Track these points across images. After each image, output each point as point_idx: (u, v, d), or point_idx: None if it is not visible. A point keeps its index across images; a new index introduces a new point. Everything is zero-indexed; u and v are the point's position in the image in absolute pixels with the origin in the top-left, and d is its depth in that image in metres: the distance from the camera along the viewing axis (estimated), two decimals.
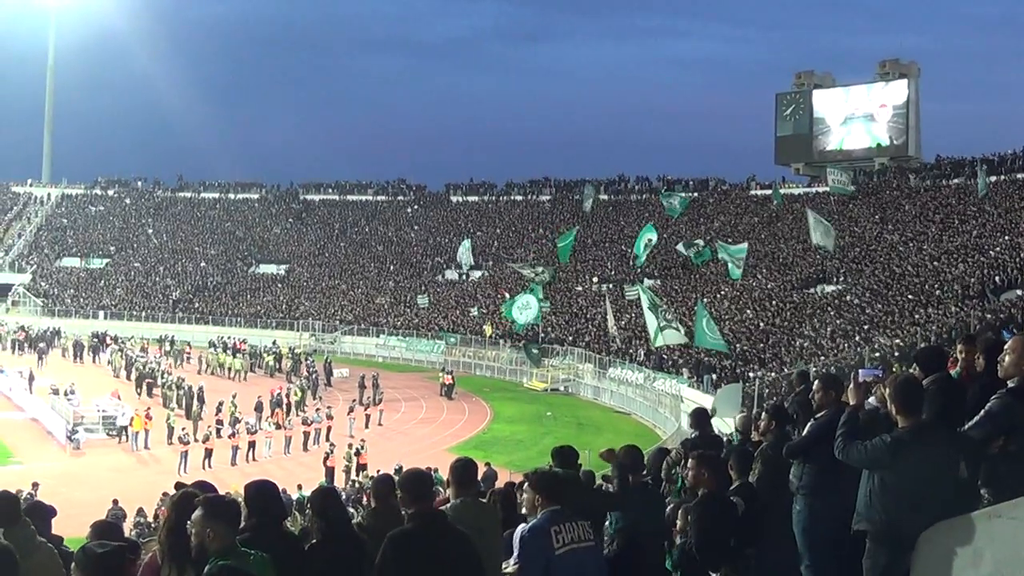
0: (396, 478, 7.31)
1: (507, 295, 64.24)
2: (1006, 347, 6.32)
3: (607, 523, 8.48)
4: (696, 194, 77.75)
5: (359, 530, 6.89)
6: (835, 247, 55.57)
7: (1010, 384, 6.15)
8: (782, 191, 72.57)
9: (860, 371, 26.82)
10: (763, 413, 10.15)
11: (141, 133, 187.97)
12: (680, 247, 62.14)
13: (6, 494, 6.64)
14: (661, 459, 11.73)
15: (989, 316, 39.58)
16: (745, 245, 55.28)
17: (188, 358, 60.50)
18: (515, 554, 6.58)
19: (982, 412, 6.06)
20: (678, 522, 8.37)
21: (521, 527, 6.70)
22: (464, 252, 75.69)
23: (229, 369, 57.41)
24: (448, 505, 6.50)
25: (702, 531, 7.72)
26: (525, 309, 55.85)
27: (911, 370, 7.34)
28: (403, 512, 6.26)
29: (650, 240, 61.73)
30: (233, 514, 5.40)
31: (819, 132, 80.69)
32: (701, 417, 11.95)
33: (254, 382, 54.09)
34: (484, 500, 8.25)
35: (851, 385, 6.83)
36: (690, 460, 8.34)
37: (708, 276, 62.82)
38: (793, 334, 48.84)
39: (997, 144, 76.95)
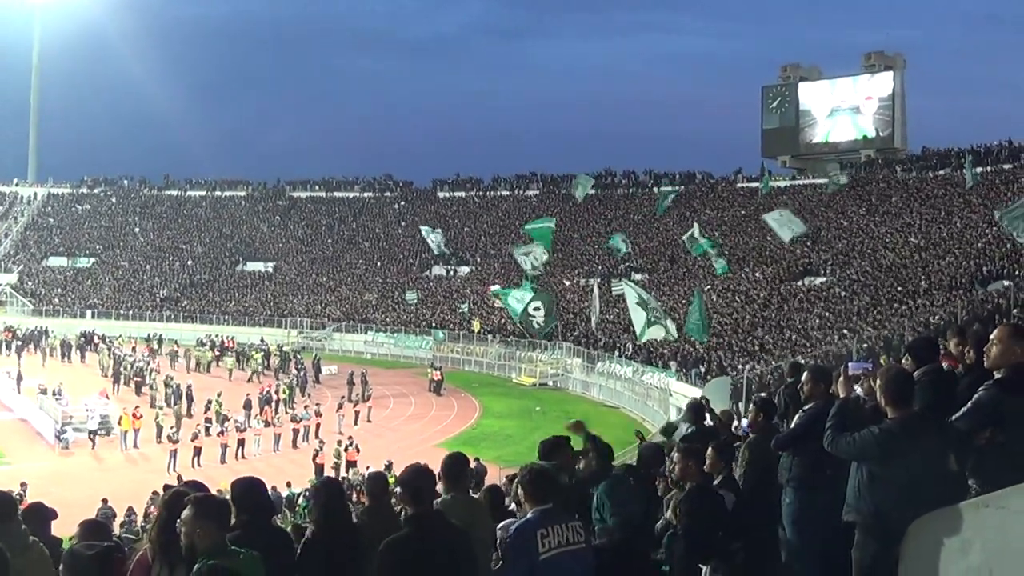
0: (388, 476, 7.31)
1: (496, 286, 64.05)
2: (992, 337, 6.32)
3: (597, 514, 8.40)
4: (683, 187, 77.86)
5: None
6: (809, 229, 55.91)
7: (997, 375, 6.17)
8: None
9: (850, 364, 26.91)
10: (751, 405, 10.15)
11: (127, 132, 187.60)
12: (685, 238, 61.34)
13: (0, 493, 6.63)
14: (651, 453, 11.73)
15: (989, 306, 39.60)
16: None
17: (177, 356, 60.01)
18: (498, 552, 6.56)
19: (969, 403, 6.07)
20: (667, 514, 8.37)
21: (506, 523, 6.67)
22: (434, 240, 74.66)
23: (230, 372, 56.69)
24: (439, 500, 6.47)
25: (691, 524, 7.72)
26: (521, 301, 55.66)
27: (903, 360, 7.35)
28: (399, 510, 6.24)
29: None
30: (223, 513, 5.39)
31: (805, 124, 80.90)
32: (696, 410, 11.91)
33: (242, 380, 53.99)
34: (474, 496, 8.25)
35: (840, 377, 6.85)
36: (676, 453, 8.34)
37: (695, 270, 62.86)
38: (781, 327, 48.95)
39: (982, 137, 77.08)
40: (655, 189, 78.77)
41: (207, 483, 7.58)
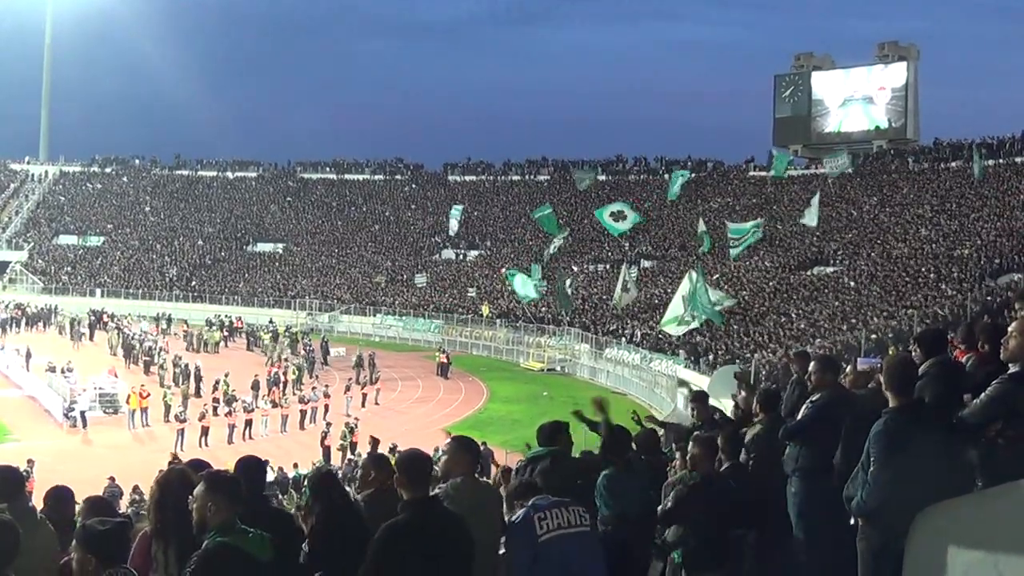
0: (391, 459, 7.25)
1: (503, 270, 64.06)
2: (1011, 329, 6.26)
3: (598, 505, 8.37)
4: (693, 174, 77.70)
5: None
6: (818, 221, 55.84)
7: (1012, 368, 6.13)
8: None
9: (859, 360, 26.73)
10: (754, 398, 10.11)
11: (139, 111, 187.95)
12: (701, 225, 60.61)
13: (8, 469, 6.63)
14: (646, 440, 11.75)
15: (999, 299, 39.35)
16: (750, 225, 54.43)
17: (186, 337, 59.87)
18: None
19: (981, 396, 6.05)
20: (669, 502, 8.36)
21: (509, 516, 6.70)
22: (454, 220, 74.80)
23: (282, 357, 54.20)
24: (448, 483, 6.43)
25: (700, 513, 7.73)
26: (524, 286, 55.89)
27: (912, 352, 7.32)
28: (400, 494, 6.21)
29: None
30: (235, 489, 5.39)
31: (818, 114, 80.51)
32: (703, 399, 11.87)
33: (250, 360, 53.94)
34: (481, 478, 8.23)
35: (848, 368, 6.83)
36: (691, 442, 8.32)
37: (704, 257, 62.67)
38: (790, 316, 48.84)
39: (995, 129, 76.82)
40: (666, 175, 78.57)
41: (213, 463, 7.58)
